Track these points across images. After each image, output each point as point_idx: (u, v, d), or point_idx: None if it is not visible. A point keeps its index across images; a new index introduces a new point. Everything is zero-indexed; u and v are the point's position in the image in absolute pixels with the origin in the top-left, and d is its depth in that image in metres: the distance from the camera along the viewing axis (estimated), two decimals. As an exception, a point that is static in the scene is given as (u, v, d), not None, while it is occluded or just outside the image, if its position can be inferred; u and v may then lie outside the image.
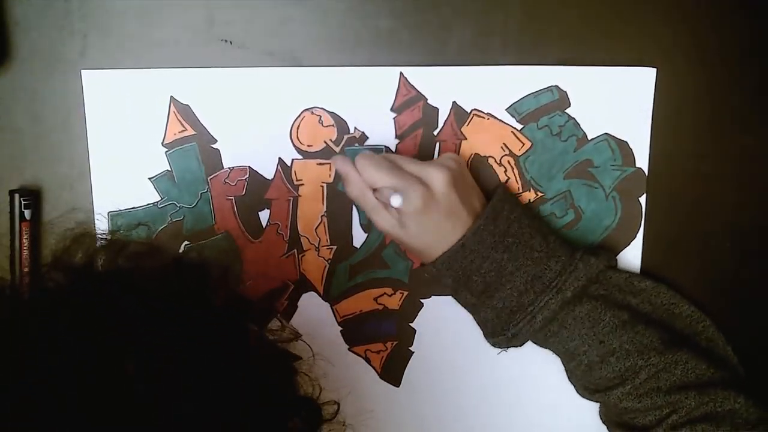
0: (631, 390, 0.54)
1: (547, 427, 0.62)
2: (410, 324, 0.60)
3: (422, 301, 0.60)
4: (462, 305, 0.57)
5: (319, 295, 0.59)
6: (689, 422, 0.52)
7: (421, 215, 0.51)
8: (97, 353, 0.31)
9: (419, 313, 0.60)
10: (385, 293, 0.60)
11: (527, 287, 0.53)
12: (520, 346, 0.56)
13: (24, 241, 0.54)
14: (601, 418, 0.59)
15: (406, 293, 0.60)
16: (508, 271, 0.53)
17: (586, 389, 0.57)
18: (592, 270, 0.54)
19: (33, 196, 0.55)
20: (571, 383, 0.58)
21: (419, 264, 0.58)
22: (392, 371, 0.61)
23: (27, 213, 0.54)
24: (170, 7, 0.54)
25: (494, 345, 0.57)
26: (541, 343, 0.56)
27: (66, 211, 0.54)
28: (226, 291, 0.39)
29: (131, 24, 0.54)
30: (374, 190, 0.52)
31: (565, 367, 0.58)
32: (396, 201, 0.48)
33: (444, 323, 0.59)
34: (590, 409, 0.60)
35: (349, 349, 0.60)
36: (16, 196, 0.54)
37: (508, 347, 0.56)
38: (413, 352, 0.61)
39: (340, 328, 0.60)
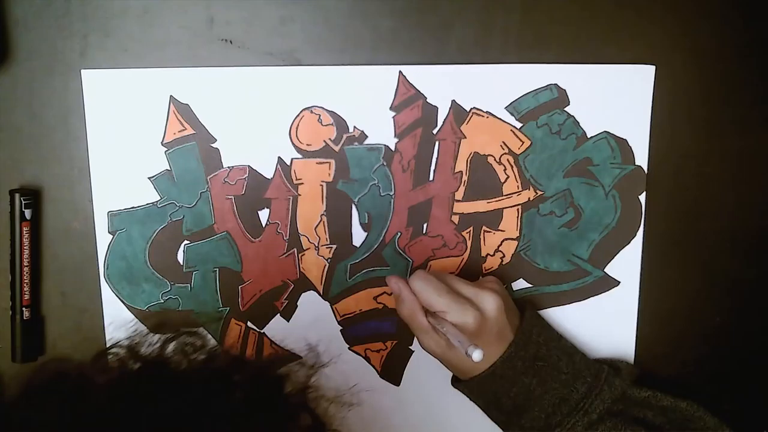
0: None
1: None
2: (410, 323, 0.60)
3: (422, 300, 0.60)
4: (492, 421, 0.58)
5: (319, 294, 0.59)
6: None
7: (472, 338, 0.51)
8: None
9: (419, 313, 0.60)
10: (384, 292, 0.59)
11: (554, 409, 0.54)
12: None
13: (24, 241, 0.55)
14: None
15: (406, 292, 0.60)
16: (536, 395, 0.54)
17: None
18: (616, 392, 0.55)
19: (33, 196, 0.55)
20: None
21: (452, 381, 0.58)
22: (392, 370, 0.61)
23: (27, 213, 0.54)
24: (170, 7, 0.54)
25: None
26: None
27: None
28: (306, 411, 0.39)
29: (131, 24, 0.54)
30: (426, 312, 0.53)
31: None
32: (477, 356, 0.48)
33: (444, 322, 0.59)
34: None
35: (349, 348, 0.60)
36: (17, 196, 0.54)
37: None
38: (413, 351, 0.61)
39: (340, 327, 0.60)
